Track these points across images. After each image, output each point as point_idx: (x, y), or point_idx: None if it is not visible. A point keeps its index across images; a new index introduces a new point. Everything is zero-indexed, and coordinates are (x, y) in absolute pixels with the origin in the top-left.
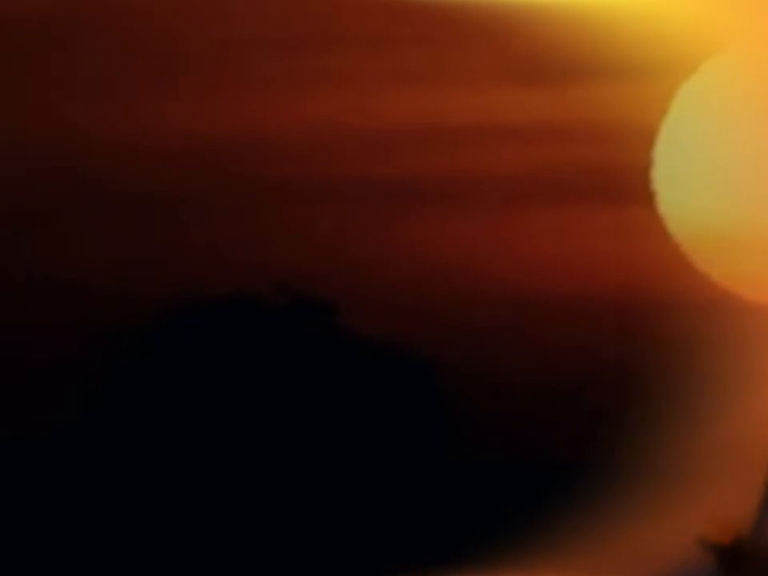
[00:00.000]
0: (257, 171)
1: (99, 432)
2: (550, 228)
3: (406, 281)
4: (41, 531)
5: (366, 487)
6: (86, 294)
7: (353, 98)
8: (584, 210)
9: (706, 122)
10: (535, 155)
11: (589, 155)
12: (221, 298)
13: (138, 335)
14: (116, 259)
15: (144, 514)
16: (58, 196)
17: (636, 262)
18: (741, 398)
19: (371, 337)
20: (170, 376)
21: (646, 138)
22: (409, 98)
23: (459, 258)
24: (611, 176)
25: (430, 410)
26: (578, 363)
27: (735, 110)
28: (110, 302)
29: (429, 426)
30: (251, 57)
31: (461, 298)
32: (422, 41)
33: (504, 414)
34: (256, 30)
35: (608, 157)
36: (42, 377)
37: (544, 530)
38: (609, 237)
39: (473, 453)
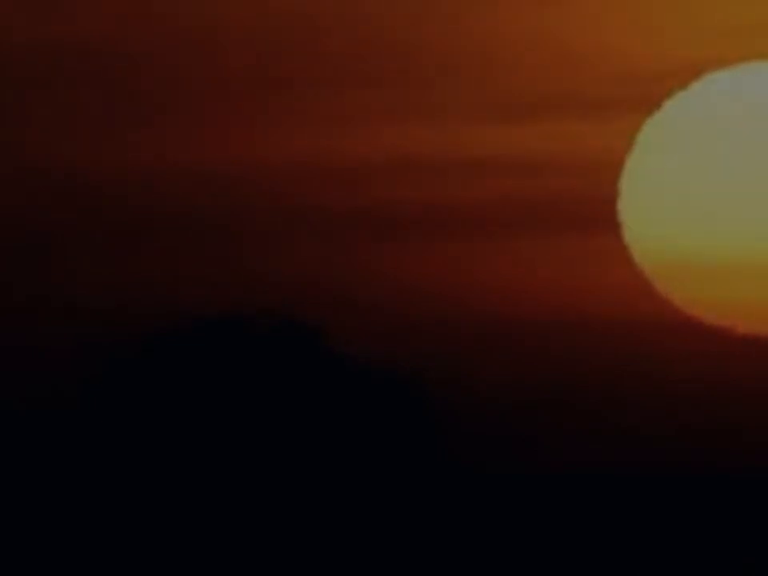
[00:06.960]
0: (245, 200)
1: (94, 445)
2: (521, 254)
3: (389, 304)
4: (41, 529)
5: (354, 498)
6: (83, 313)
7: (339, 132)
8: (554, 238)
9: (670, 156)
10: (508, 187)
11: (559, 187)
12: (209, 319)
13: (130, 354)
14: (111, 281)
15: (138, 518)
16: (58, 224)
17: (602, 287)
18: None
19: (355, 357)
20: (162, 393)
21: (612, 172)
22: (390, 133)
23: (438, 282)
24: (580, 207)
25: (415, 426)
26: (547, 379)
27: (697, 145)
28: (105, 321)
29: (413, 442)
30: (241, 93)
31: (439, 319)
32: (401, 80)
33: (483, 424)
34: (250, 69)
35: (577, 189)
36: (41, 386)
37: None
38: (577, 263)
39: (454, 462)
